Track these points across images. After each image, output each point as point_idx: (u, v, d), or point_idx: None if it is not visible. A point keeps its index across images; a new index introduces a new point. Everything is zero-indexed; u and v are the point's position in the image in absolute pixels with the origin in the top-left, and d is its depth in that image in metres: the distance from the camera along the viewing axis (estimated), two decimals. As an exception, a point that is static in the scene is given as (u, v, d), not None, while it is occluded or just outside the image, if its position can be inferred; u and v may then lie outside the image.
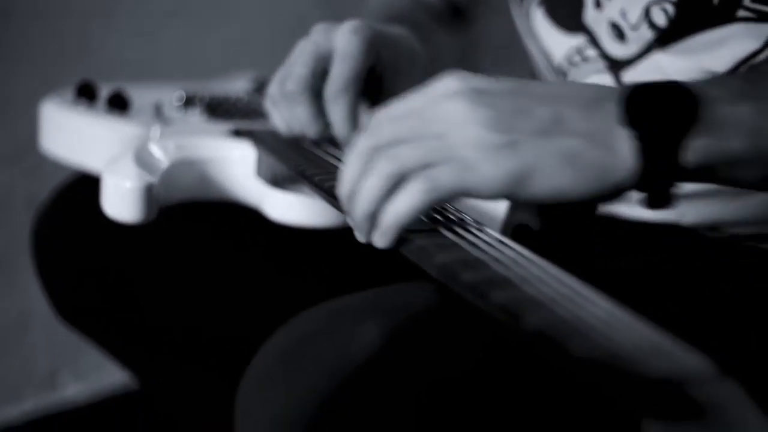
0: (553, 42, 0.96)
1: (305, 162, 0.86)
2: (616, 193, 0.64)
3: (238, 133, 1.00)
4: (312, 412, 0.59)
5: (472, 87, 0.65)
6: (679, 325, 0.69)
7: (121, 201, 0.87)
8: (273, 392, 0.63)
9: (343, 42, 0.90)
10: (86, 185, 1.06)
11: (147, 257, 1.07)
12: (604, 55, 0.91)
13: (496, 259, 0.61)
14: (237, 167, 0.96)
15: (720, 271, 0.86)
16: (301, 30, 0.96)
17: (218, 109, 1.13)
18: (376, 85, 0.96)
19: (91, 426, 1.81)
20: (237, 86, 1.28)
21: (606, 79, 0.91)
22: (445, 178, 0.63)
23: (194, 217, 1.04)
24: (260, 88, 1.27)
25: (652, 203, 0.64)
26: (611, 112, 0.63)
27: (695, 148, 0.63)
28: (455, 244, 0.64)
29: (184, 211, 0.98)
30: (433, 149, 0.63)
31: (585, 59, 0.93)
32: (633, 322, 0.53)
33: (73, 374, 1.82)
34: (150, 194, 0.87)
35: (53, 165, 1.10)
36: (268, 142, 0.95)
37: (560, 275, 0.59)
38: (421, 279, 0.66)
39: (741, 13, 0.82)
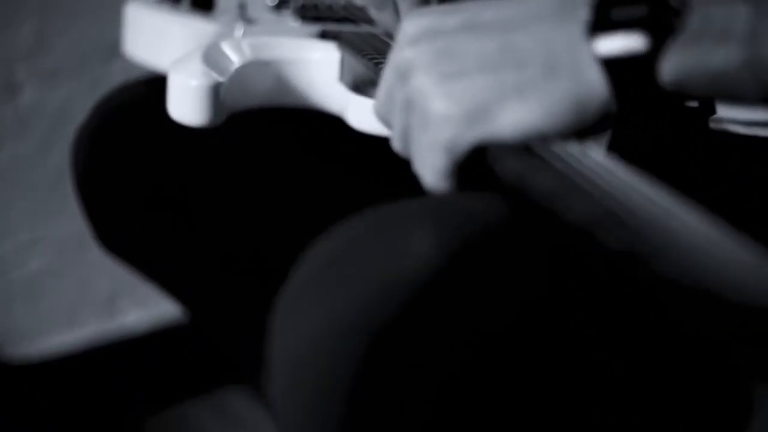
0: None
1: None
2: (604, 122, 0.56)
3: (324, 35, 0.90)
4: (354, 329, 0.54)
5: (419, 29, 0.61)
6: None
7: (186, 101, 0.78)
8: (313, 303, 0.56)
9: None
10: (130, 98, 1.00)
11: (207, 170, 0.98)
12: None
13: (580, 172, 0.52)
14: (317, 70, 0.85)
15: None
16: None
17: (311, 11, 1.03)
18: None
19: (151, 355, 1.74)
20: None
21: None
22: (432, 146, 0.59)
23: (264, 124, 0.95)
24: None
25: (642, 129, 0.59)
26: (578, 24, 0.56)
27: (671, 64, 0.54)
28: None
29: (252, 118, 0.88)
30: (410, 114, 0.61)
31: None
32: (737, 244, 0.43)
33: (133, 301, 1.75)
34: (216, 94, 0.78)
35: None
36: (356, 44, 0.85)
37: (656, 191, 0.49)
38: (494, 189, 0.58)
39: None
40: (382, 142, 0.82)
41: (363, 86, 0.83)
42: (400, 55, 0.61)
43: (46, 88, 1.59)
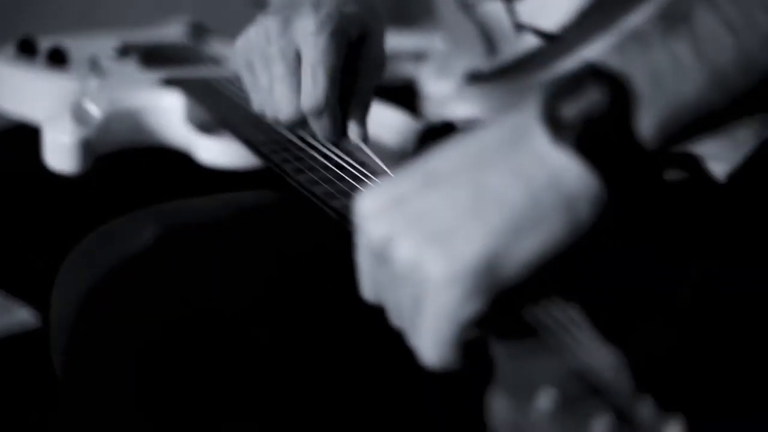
0: None
1: (230, 111, 0.95)
2: (607, 219, 0.54)
3: (169, 83, 1.07)
4: (89, 295, 0.74)
5: (379, 203, 0.56)
6: None
7: (60, 154, 0.96)
8: (71, 278, 0.77)
9: (309, 48, 0.77)
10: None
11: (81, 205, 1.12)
12: None
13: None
14: (167, 115, 1.03)
15: None
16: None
17: (154, 57, 1.19)
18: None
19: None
20: (172, 32, 1.33)
21: (497, 7, 0.87)
22: (437, 316, 0.53)
23: (130, 163, 1.10)
24: (197, 32, 1.33)
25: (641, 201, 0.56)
26: (539, 142, 0.54)
27: (650, 118, 0.54)
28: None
29: (120, 157, 1.05)
30: (402, 289, 0.55)
31: None
32: None
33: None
34: (86, 147, 0.96)
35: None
36: (197, 91, 1.02)
37: None
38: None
39: None
40: (229, 175, 1.00)
41: (207, 127, 1.01)
42: (369, 235, 0.55)
43: None
